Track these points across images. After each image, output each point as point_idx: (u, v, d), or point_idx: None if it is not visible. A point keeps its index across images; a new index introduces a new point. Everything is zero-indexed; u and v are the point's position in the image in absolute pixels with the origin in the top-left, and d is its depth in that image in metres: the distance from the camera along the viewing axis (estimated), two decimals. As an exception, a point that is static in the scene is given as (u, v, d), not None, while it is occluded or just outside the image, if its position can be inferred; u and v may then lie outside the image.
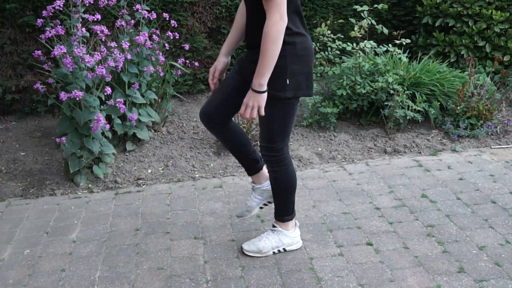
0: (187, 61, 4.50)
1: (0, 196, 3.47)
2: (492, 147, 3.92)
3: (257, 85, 2.23)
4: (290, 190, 2.63)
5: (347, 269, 2.55)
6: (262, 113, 2.28)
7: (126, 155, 3.98)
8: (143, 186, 3.54)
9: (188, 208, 3.20)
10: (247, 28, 2.39)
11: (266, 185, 2.72)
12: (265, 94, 2.25)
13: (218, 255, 2.71)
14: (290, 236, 2.70)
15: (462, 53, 4.94)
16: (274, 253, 2.69)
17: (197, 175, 3.66)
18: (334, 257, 2.66)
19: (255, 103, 2.26)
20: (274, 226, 2.72)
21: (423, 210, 3.07)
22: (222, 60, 2.61)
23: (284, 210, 2.68)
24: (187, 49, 4.44)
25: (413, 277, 2.47)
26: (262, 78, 2.21)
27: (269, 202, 2.78)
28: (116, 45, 3.54)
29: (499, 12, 4.79)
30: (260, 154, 2.63)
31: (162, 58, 4.02)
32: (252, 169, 2.72)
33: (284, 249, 2.70)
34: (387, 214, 3.05)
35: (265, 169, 2.72)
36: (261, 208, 2.80)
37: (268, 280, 2.49)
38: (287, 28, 2.22)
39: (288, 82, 2.31)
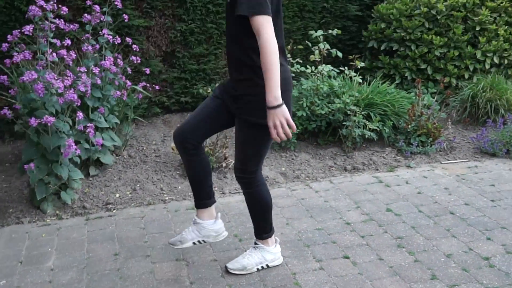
0: (148, 85, 4.52)
1: (-38, 227, 3.34)
2: (442, 162, 4.21)
3: (273, 100, 2.22)
4: (265, 209, 2.71)
5: (330, 282, 2.67)
6: (293, 124, 2.26)
7: (90, 180, 3.94)
8: (114, 211, 3.51)
9: (165, 231, 3.22)
10: (228, 59, 2.48)
11: (209, 223, 2.73)
12: (284, 106, 2.24)
13: (203, 276, 2.75)
14: (272, 252, 2.79)
15: (406, 75, 5.28)
16: (258, 269, 2.76)
17: (167, 198, 3.68)
18: (316, 271, 2.77)
19: (281, 118, 2.24)
20: (256, 243, 2.80)
21: (390, 223, 3.26)
22: None
23: (262, 229, 2.77)
24: (148, 73, 4.46)
25: (392, 286, 2.62)
26: (275, 91, 2.22)
27: (204, 241, 2.75)
28: (85, 70, 3.53)
29: (438, 37, 5.17)
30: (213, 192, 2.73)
31: (128, 83, 4.03)
32: (202, 203, 2.73)
33: (267, 265, 2.78)
34: (357, 228, 3.21)
35: (213, 208, 2.76)
36: (194, 244, 2.75)
37: (256, 297, 2.57)
38: None
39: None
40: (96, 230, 3.26)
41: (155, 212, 3.47)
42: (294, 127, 2.29)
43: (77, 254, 2.98)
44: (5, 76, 3.35)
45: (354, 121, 4.26)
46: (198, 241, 2.75)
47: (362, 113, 4.36)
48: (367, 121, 4.33)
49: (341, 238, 3.09)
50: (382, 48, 5.41)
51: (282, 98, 2.38)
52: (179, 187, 3.84)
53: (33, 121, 3.14)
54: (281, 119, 2.26)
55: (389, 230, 3.17)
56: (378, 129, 4.38)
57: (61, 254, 2.99)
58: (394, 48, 5.33)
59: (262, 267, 2.77)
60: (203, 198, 2.72)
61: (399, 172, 4.04)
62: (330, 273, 2.74)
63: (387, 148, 4.44)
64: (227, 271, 2.76)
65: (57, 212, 3.49)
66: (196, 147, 2.60)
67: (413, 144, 4.33)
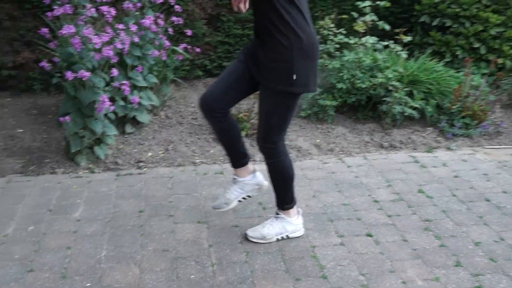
0: (189, 47, 4.51)
1: (0, 172, 3.47)
2: (485, 147, 4.02)
3: None
4: (287, 180, 2.68)
5: (349, 258, 2.62)
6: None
7: (125, 138, 4.00)
8: (144, 169, 3.56)
9: (190, 193, 3.24)
10: (254, 27, 2.44)
11: (249, 179, 2.75)
12: None
13: (222, 240, 2.75)
14: (294, 223, 2.76)
15: (457, 53, 5.04)
16: (277, 239, 2.74)
17: (197, 161, 3.70)
18: (336, 246, 2.73)
19: None
20: (277, 214, 2.78)
21: (420, 205, 3.15)
22: None
23: (283, 199, 2.74)
24: (189, 34, 4.44)
25: (413, 269, 2.55)
26: None
27: (248, 196, 2.79)
28: (124, 27, 3.53)
29: (495, 15, 4.90)
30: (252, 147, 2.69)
31: (167, 43, 4.02)
32: (238, 163, 2.73)
33: (287, 236, 2.75)
34: (385, 207, 3.12)
35: (250, 164, 2.76)
36: (239, 201, 2.80)
37: (272, 265, 2.55)
38: (288, 23, 2.26)
39: (295, 78, 2.34)
40: (124, 186, 3.31)
41: (184, 174, 3.49)
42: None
43: (103, 208, 3.05)
44: (46, 29, 3.40)
45: (395, 97, 4.11)
46: (243, 198, 2.79)
47: (405, 89, 4.20)
48: (409, 99, 4.17)
49: (367, 216, 3.02)
50: (434, 23, 5.17)
51: (306, 66, 2.33)
52: (211, 151, 3.84)
53: (69, 75, 3.19)
54: None
55: (418, 212, 3.07)
56: (420, 107, 4.22)
57: (89, 206, 3.07)
58: (447, 24, 5.09)
59: (282, 237, 2.75)
60: (240, 158, 2.72)
61: (437, 154, 3.90)
62: (351, 250, 2.69)
63: (428, 128, 4.29)
64: (246, 237, 2.75)
65: (90, 165, 3.56)
66: (225, 113, 2.56)
67: (456, 125, 4.16)
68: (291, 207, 2.76)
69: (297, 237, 2.78)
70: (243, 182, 2.75)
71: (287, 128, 2.55)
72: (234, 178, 2.78)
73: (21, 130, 4.12)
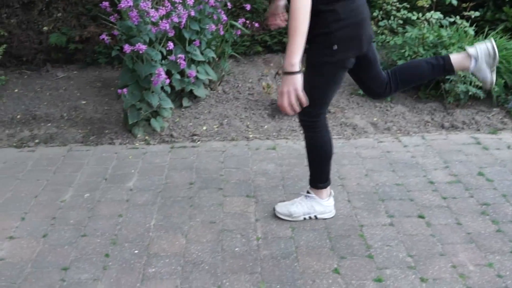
0: (247, 22, 4.48)
1: (62, 141, 3.62)
2: (556, 130, 3.78)
3: (288, 66, 2.11)
4: (324, 158, 2.61)
5: (397, 239, 2.55)
6: (303, 98, 2.15)
7: (182, 111, 4.06)
8: (198, 142, 3.61)
9: (241, 167, 3.26)
10: None
11: (472, 66, 2.57)
12: (300, 75, 2.13)
13: (269, 214, 2.75)
14: (324, 204, 2.69)
15: (532, 30, 4.73)
16: (304, 218, 2.69)
17: (251, 136, 3.70)
18: (385, 226, 2.66)
19: (290, 87, 2.12)
20: (308, 192, 2.71)
21: (478, 188, 3.01)
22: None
23: (318, 178, 2.67)
24: (248, 9, 4.41)
25: (464, 253, 2.45)
26: (293, 57, 2.09)
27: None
28: (180, 1, 3.56)
29: None
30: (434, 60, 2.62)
31: (224, 17, 4.02)
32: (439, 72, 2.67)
33: (315, 216, 2.69)
34: (441, 188, 3.01)
35: (456, 56, 2.59)
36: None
37: (317, 242, 2.53)
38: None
39: (335, 48, 2.28)
40: (178, 158, 3.38)
41: (236, 148, 3.51)
42: (304, 101, 2.16)
43: (156, 179, 3.12)
44: (107, 3, 3.48)
45: (460, 75, 3.92)
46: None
47: (470, 67, 3.99)
48: (474, 77, 3.96)
49: (420, 197, 2.92)
50: (508, -2, 4.85)
51: (346, 35, 2.28)
52: (265, 127, 3.83)
53: (127, 48, 3.26)
54: (290, 88, 2.13)
55: (475, 195, 2.94)
56: (486, 86, 4.00)
57: (142, 176, 3.15)
58: (522, -1, 4.77)
59: (310, 217, 2.69)
60: (441, 73, 2.72)
61: (502, 136, 3.69)
62: (400, 231, 2.62)
63: (494, 109, 4.06)
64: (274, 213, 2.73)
65: (146, 137, 3.65)
66: (380, 85, 2.70)
67: (525, 106, 3.92)
68: (325, 187, 2.69)
69: (325, 218, 2.70)
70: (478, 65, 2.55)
71: (329, 102, 2.51)
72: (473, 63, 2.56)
73: (85, 102, 4.28)
